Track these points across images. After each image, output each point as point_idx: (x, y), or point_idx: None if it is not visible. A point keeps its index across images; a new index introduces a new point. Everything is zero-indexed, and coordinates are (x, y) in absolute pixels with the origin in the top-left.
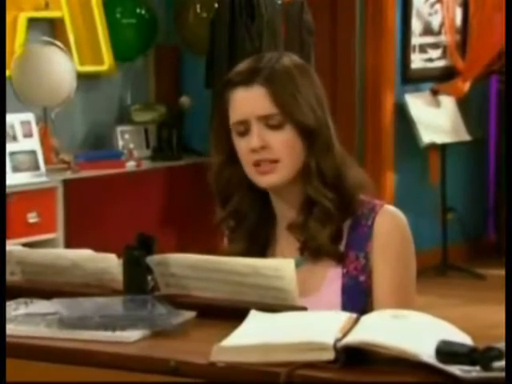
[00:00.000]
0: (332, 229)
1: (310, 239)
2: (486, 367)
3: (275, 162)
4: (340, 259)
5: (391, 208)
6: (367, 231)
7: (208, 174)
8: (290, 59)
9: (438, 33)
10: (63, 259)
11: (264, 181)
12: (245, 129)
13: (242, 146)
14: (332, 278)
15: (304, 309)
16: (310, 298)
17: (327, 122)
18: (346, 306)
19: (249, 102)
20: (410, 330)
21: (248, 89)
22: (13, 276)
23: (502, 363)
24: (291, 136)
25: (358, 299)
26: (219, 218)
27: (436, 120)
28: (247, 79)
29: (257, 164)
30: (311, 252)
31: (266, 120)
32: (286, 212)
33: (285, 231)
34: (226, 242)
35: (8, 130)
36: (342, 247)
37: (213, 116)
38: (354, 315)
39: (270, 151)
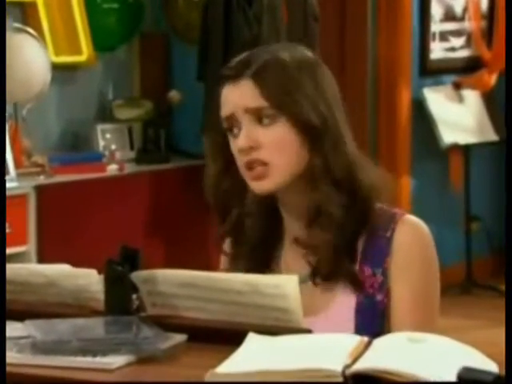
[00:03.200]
0: (346, 245)
1: (322, 263)
2: None
3: (266, 164)
4: (356, 283)
5: (413, 218)
6: (385, 244)
7: (203, 182)
8: (289, 53)
9: (462, 18)
10: (37, 276)
11: (256, 187)
12: (236, 127)
13: (234, 147)
14: (343, 296)
15: (309, 331)
16: (317, 318)
17: (334, 118)
18: (359, 329)
19: (235, 94)
20: (429, 355)
21: (236, 83)
22: None
23: None
24: (285, 133)
25: (373, 321)
26: (220, 234)
27: (459, 117)
28: (236, 73)
29: (249, 167)
30: (324, 277)
31: (256, 115)
32: (293, 223)
33: (292, 245)
34: (224, 260)
35: None
36: (356, 267)
37: (206, 114)
38: (366, 338)
39: (260, 151)
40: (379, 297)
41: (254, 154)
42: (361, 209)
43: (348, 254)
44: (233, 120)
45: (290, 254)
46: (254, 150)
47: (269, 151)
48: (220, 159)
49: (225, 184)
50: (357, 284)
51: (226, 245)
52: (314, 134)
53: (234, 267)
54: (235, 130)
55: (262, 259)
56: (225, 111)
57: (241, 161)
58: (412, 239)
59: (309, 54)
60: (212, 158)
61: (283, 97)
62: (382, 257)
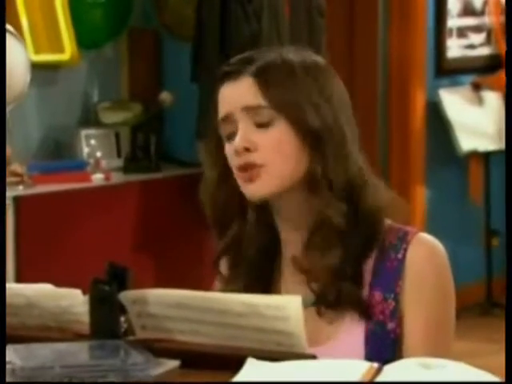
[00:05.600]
0: (350, 269)
1: (326, 290)
2: None
3: (261, 166)
4: (363, 310)
5: (427, 237)
6: (397, 266)
7: (198, 193)
8: (295, 55)
9: (481, 13)
10: (16, 296)
11: (249, 190)
12: (231, 130)
13: (228, 150)
14: (352, 322)
15: (313, 357)
16: (322, 347)
17: (339, 125)
18: (369, 359)
19: (234, 93)
20: (445, 382)
21: (236, 80)
22: None
23: None
24: (283, 135)
25: (384, 350)
26: (217, 252)
27: (478, 122)
28: (237, 70)
29: (242, 169)
30: (329, 305)
31: (253, 114)
32: (290, 242)
33: (291, 269)
34: (219, 283)
35: None
36: (365, 292)
37: (200, 117)
38: (376, 365)
39: (255, 154)
40: (391, 325)
41: (250, 156)
42: (365, 228)
43: (353, 278)
44: (229, 121)
45: (289, 278)
46: (250, 152)
47: (265, 154)
48: (217, 168)
49: (223, 194)
50: (364, 311)
51: (222, 266)
52: (315, 139)
53: (229, 289)
54: (231, 133)
55: (260, 282)
56: (222, 111)
57: (235, 162)
58: (425, 260)
59: (316, 58)
60: (208, 166)
61: (284, 97)
62: (394, 280)
